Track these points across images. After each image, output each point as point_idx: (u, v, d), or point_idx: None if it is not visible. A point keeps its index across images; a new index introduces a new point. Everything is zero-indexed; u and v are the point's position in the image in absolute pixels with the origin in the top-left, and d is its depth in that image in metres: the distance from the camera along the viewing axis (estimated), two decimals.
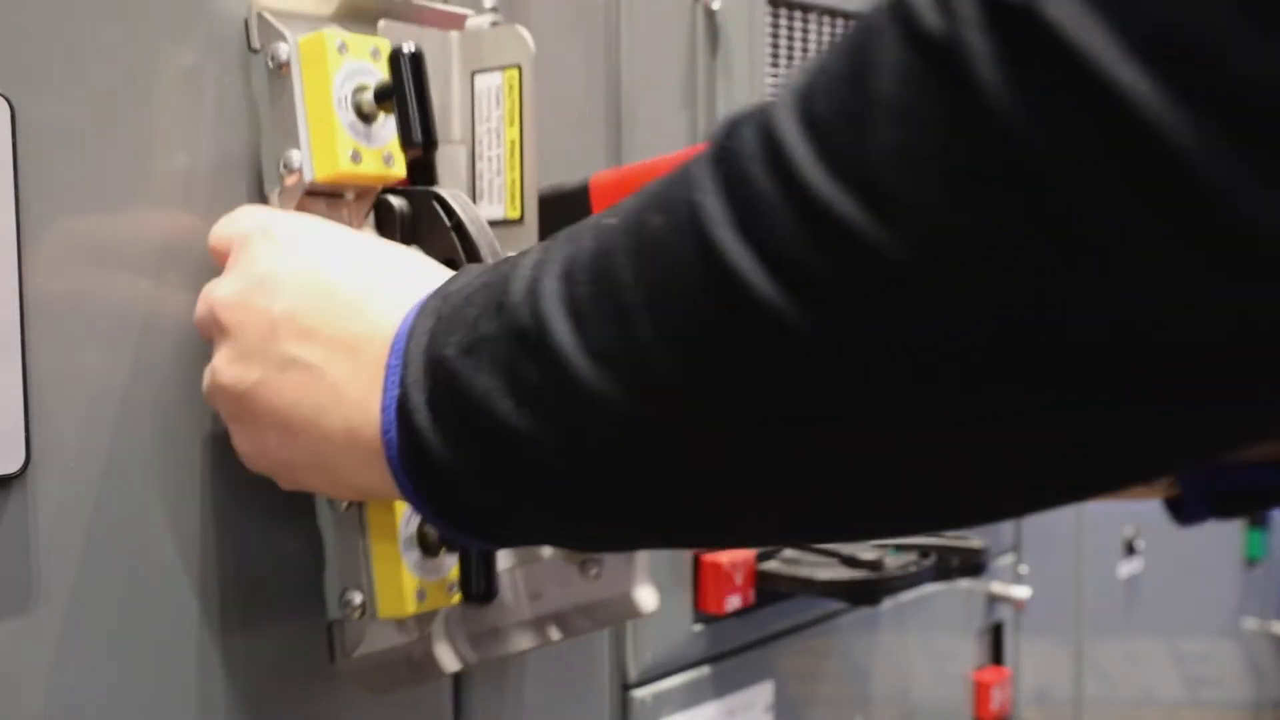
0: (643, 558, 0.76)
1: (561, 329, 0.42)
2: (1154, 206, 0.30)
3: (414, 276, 0.54)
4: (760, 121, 0.37)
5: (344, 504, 0.63)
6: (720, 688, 0.96)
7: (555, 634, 0.74)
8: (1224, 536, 1.79)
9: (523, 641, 0.73)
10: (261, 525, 0.65)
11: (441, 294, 0.50)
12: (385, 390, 0.49)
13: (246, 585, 0.65)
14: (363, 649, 0.65)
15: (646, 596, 0.81)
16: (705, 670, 0.95)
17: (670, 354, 0.39)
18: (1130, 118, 0.30)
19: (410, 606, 0.62)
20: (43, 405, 0.57)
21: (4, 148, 0.55)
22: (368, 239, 0.58)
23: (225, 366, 0.56)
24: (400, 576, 0.62)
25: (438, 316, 0.48)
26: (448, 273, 0.55)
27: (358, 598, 0.63)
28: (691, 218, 0.38)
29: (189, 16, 0.62)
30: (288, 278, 0.55)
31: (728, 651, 0.97)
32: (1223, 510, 0.47)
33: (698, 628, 0.94)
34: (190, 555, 0.63)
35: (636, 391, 0.40)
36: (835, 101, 0.35)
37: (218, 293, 0.57)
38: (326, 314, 0.53)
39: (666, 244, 0.39)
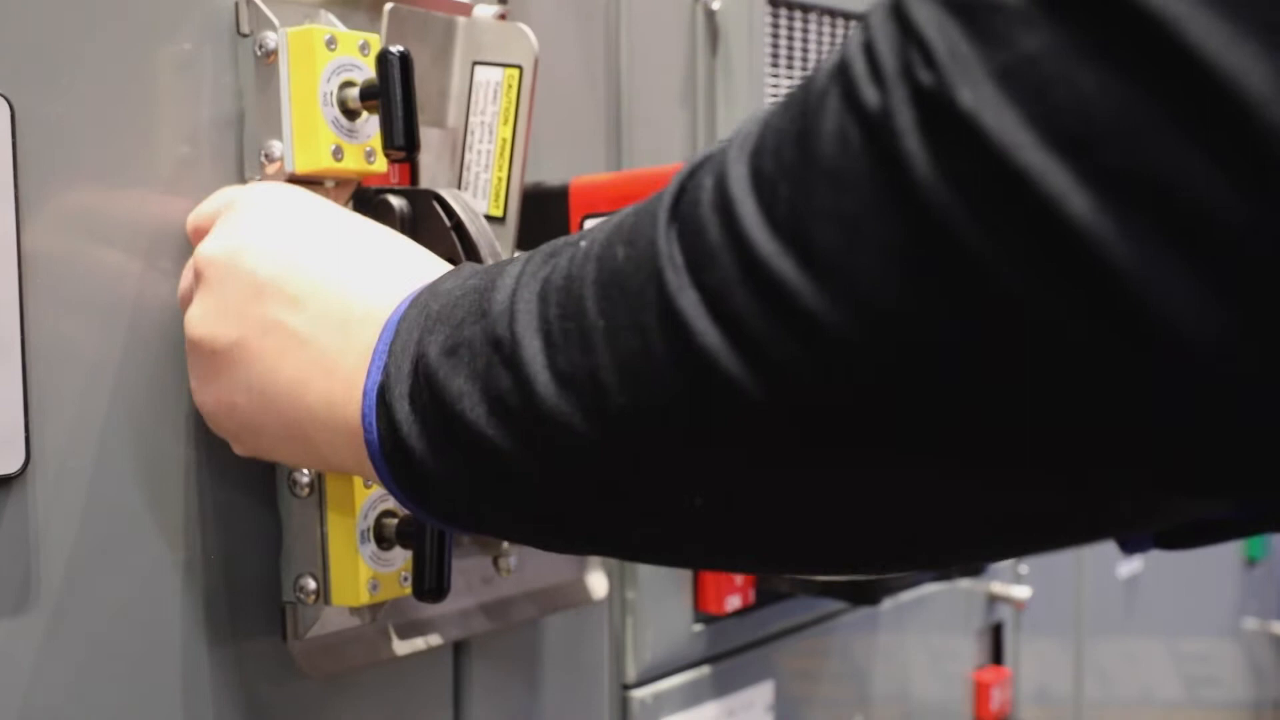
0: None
1: (532, 347, 0.43)
2: (1061, 283, 0.32)
3: (406, 261, 0.55)
4: (717, 168, 0.39)
5: (304, 490, 0.64)
6: (720, 688, 0.96)
7: (504, 619, 0.75)
8: None
9: (474, 626, 0.74)
10: (261, 525, 0.66)
11: (434, 290, 0.50)
12: (369, 374, 0.50)
13: (246, 585, 0.65)
14: (315, 631, 0.66)
15: (596, 582, 0.81)
16: (705, 670, 0.95)
17: (623, 385, 0.40)
18: (1038, 199, 0.31)
19: (363, 597, 0.63)
20: (43, 405, 0.57)
21: (4, 147, 0.55)
22: (360, 219, 0.59)
23: (202, 320, 0.56)
24: (355, 567, 0.63)
25: (427, 314, 0.49)
26: (437, 260, 0.56)
27: (312, 583, 0.64)
28: (651, 256, 0.40)
29: (186, 6, 0.62)
30: (278, 243, 0.55)
31: (728, 651, 0.97)
32: (1167, 543, 0.48)
33: (698, 627, 0.94)
34: (189, 555, 0.63)
35: (593, 415, 0.42)
36: (780, 159, 0.36)
37: (203, 248, 0.58)
38: (316, 285, 0.54)
39: (627, 279, 0.40)
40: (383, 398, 0.49)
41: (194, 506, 0.63)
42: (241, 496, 0.65)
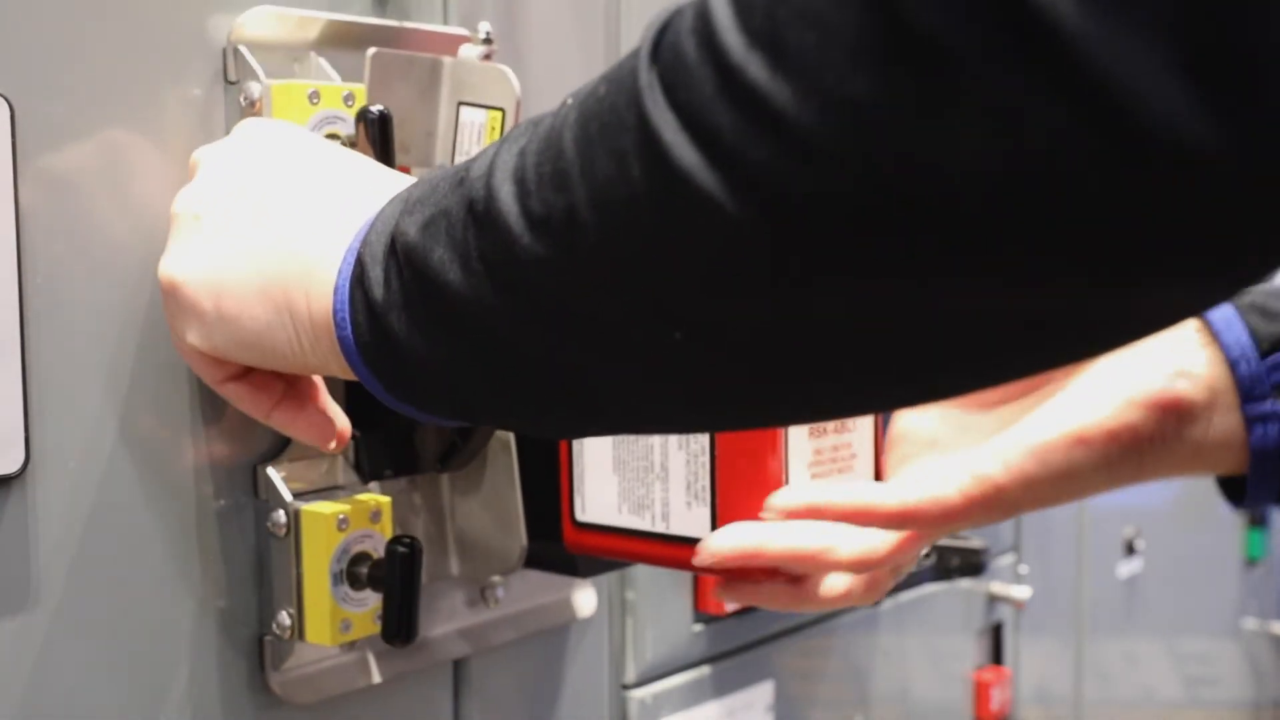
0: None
1: (507, 197, 0.43)
2: (1024, 59, 0.31)
3: (390, 178, 0.55)
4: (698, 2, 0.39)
5: (281, 530, 0.65)
6: (720, 688, 0.96)
7: (488, 643, 0.76)
8: (1224, 536, 1.79)
9: (453, 651, 0.75)
10: (260, 525, 0.66)
11: (414, 186, 0.50)
12: (340, 272, 0.50)
13: (246, 585, 0.65)
14: (291, 662, 0.67)
15: (583, 601, 0.82)
16: (705, 670, 0.95)
17: (599, 218, 0.40)
18: None
19: (336, 637, 0.64)
20: (43, 405, 0.57)
21: (4, 148, 0.55)
22: (350, 151, 0.59)
23: (186, 197, 0.56)
24: (328, 608, 0.64)
25: (406, 201, 0.48)
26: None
27: (287, 619, 0.65)
28: (630, 87, 0.39)
29: (185, 16, 0.62)
30: (268, 164, 0.55)
31: (727, 651, 0.97)
32: None
33: (697, 628, 0.94)
34: (189, 555, 0.63)
35: (568, 255, 0.41)
36: None
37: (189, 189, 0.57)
38: (304, 195, 0.54)
39: (606, 113, 0.40)
40: (359, 287, 0.48)
41: (195, 506, 0.63)
42: (242, 496, 0.65)
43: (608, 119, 0.40)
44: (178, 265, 0.55)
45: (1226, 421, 0.55)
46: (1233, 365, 0.55)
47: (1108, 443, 0.55)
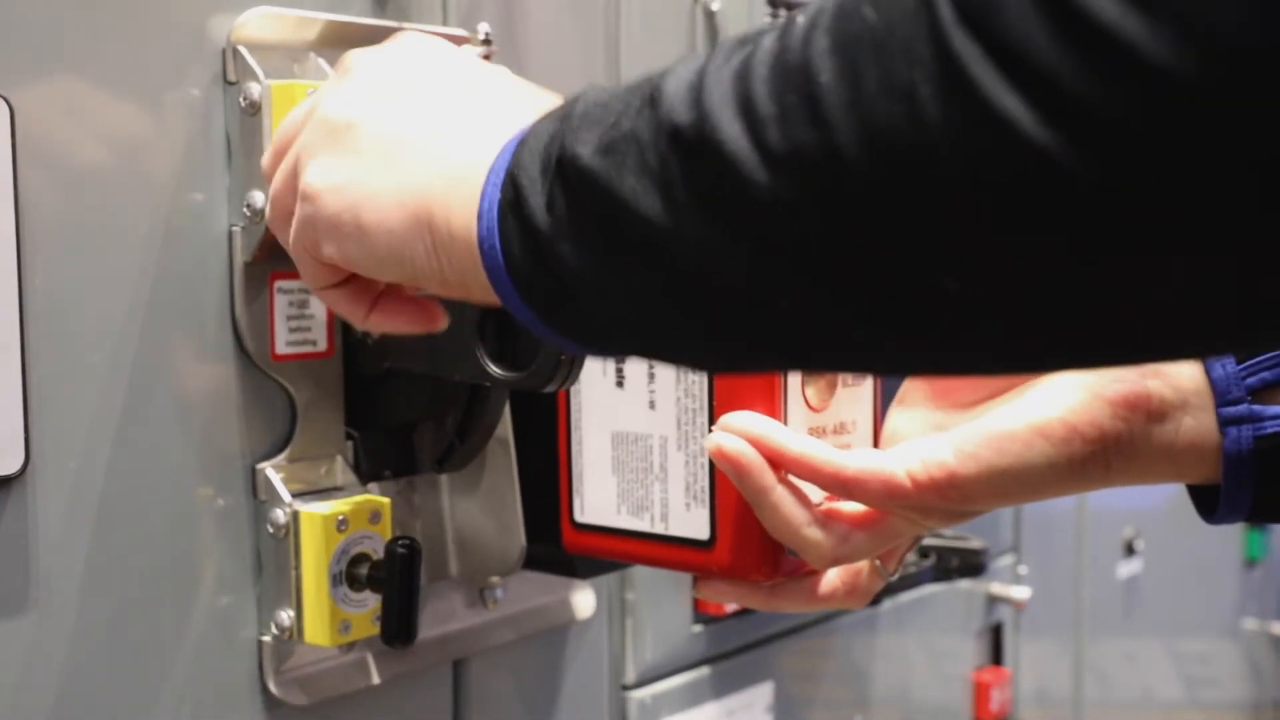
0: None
1: (731, 128, 0.38)
2: None
3: (538, 97, 0.51)
4: None
5: (280, 531, 0.65)
6: (720, 688, 0.96)
7: (487, 644, 0.76)
8: (1224, 537, 1.79)
9: (452, 652, 0.75)
10: (260, 526, 0.66)
11: (568, 105, 0.45)
12: (484, 194, 0.46)
13: (245, 585, 0.65)
14: (291, 663, 0.67)
15: (581, 601, 0.82)
16: (705, 671, 0.95)
17: (874, 159, 0.35)
18: None
19: (335, 638, 0.64)
20: (43, 405, 0.57)
21: (4, 148, 0.55)
22: (503, 70, 0.55)
23: (336, 99, 0.53)
24: (327, 608, 0.64)
25: (566, 121, 0.44)
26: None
27: (286, 620, 0.65)
28: (918, 11, 0.34)
29: (184, 16, 0.62)
30: (420, 75, 0.52)
31: (727, 652, 0.97)
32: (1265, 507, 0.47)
33: (697, 628, 0.94)
34: (189, 555, 0.63)
35: (826, 199, 0.37)
36: None
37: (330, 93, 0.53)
38: (453, 109, 0.50)
39: (882, 39, 0.35)
40: (512, 213, 0.44)
41: (195, 506, 0.63)
42: (241, 497, 0.65)
43: (888, 45, 0.35)
44: (324, 174, 0.51)
45: (1197, 423, 0.54)
46: (1207, 367, 0.54)
47: (1069, 437, 0.53)
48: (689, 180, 0.39)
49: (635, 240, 0.41)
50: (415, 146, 0.50)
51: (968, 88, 0.33)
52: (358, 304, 0.56)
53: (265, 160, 0.59)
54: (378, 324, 0.57)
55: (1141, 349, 0.39)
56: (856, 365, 0.51)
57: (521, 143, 0.45)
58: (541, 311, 0.45)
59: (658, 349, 0.48)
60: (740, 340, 0.43)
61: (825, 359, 0.47)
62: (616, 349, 0.49)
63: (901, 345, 0.41)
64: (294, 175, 0.53)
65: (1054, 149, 0.32)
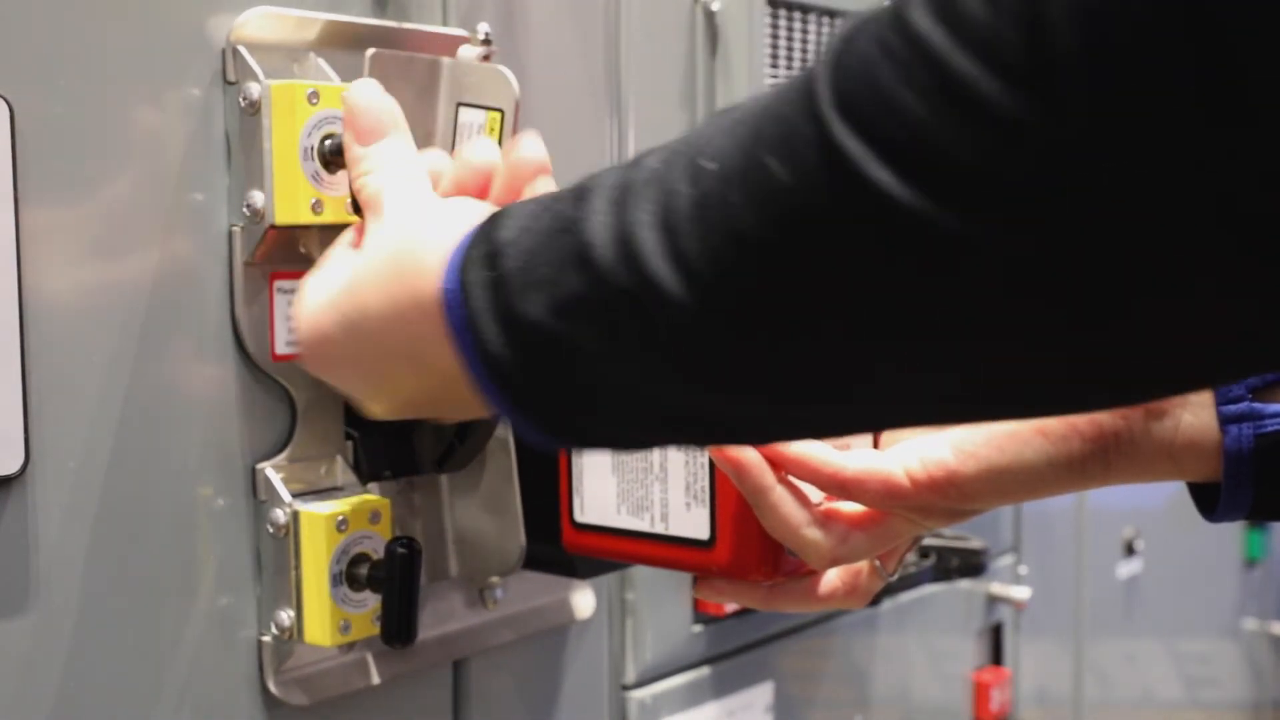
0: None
1: (676, 290, 0.40)
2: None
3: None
4: (881, 23, 0.36)
5: (281, 531, 0.65)
6: (720, 688, 0.96)
7: (487, 644, 0.76)
8: (1224, 537, 1.79)
9: (452, 652, 0.75)
10: (260, 526, 0.66)
11: (489, 237, 0.47)
12: (464, 351, 0.47)
13: (245, 585, 0.65)
14: (291, 663, 0.67)
15: (581, 602, 0.82)
16: (705, 671, 0.95)
17: (777, 235, 0.38)
18: None
19: (335, 637, 0.64)
20: (43, 405, 0.57)
21: (4, 148, 0.55)
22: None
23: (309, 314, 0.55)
24: (327, 608, 0.64)
25: (501, 266, 0.46)
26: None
27: (286, 620, 0.65)
28: (804, 103, 0.37)
29: (184, 16, 0.62)
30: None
31: (727, 652, 0.97)
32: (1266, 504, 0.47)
33: (697, 628, 0.94)
34: (188, 555, 0.63)
35: (741, 323, 0.40)
36: None
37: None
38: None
39: (788, 188, 0.38)
40: (495, 373, 0.46)
41: (194, 506, 0.63)
42: (241, 497, 0.65)
43: (790, 196, 0.38)
44: (320, 369, 0.56)
45: (1197, 420, 0.54)
46: None
47: (1068, 434, 0.54)
48: (650, 338, 0.42)
49: (607, 395, 0.44)
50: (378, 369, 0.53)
51: (845, 166, 0.36)
52: None
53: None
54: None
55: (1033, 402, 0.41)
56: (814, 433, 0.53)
57: (462, 267, 0.47)
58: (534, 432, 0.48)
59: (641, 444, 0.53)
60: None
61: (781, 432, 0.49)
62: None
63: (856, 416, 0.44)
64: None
65: (917, 205, 0.35)
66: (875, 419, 0.46)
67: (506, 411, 0.47)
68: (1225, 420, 0.53)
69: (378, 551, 0.65)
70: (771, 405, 0.43)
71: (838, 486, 0.56)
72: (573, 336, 0.44)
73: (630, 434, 0.48)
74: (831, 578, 0.63)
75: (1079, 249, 0.34)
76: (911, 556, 0.99)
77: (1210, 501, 0.55)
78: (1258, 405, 0.53)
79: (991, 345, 0.38)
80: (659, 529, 0.64)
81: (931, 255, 0.36)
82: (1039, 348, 0.37)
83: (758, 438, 0.50)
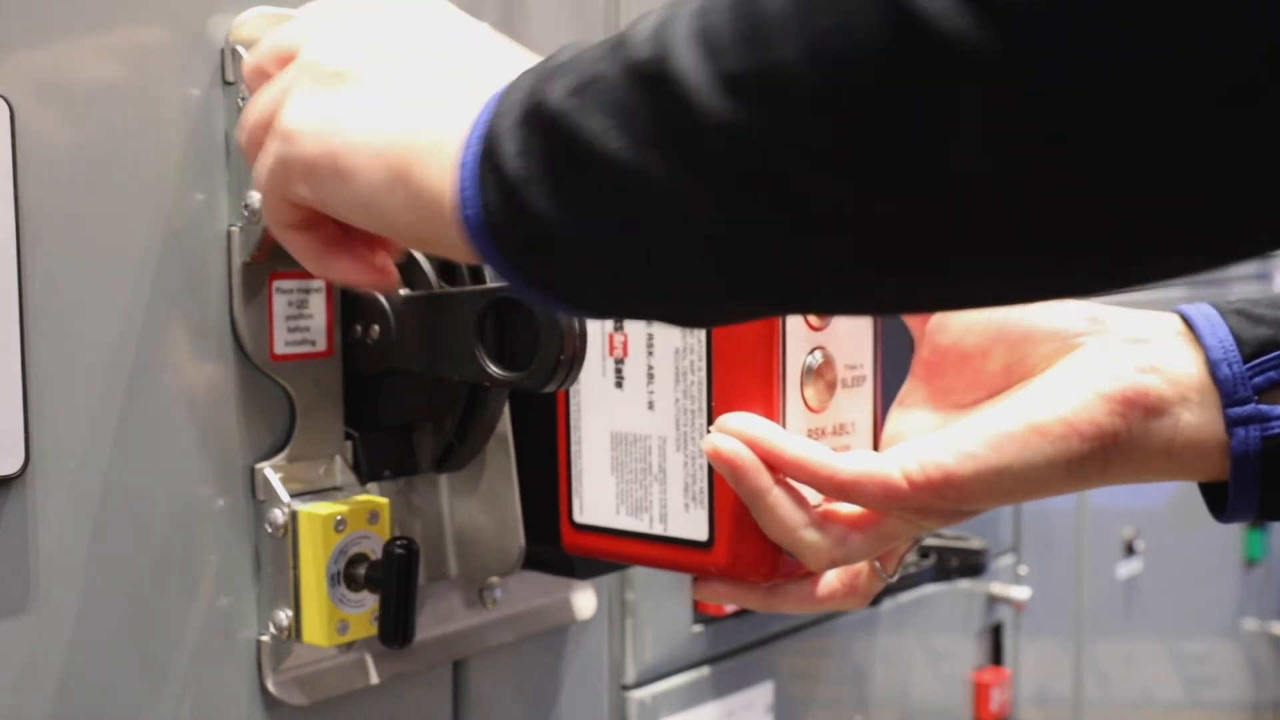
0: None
1: (688, 59, 0.39)
2: None
3: (517, 54, 0.51)
4: None
5: (279, 531, 0.65)
6: (720, 688, 0.96)
7: (486, 644, 0.76)
8: (1224, 537, 1.79)
9: (451, 652, 0.75)
10: (258, 526, 0.66)
11: (545, 60, 0.45)
12: (465, 146, 0.45)
13: (244, 585, 0.66)
14: (289, 663, 0.67)
15: (582, 602, 0.82)
16: (705, 671, 0.95)
17: (820, 77, 0.36)
18: None
19: (333, 637, 0.64)
20: (43, 405, 0.57)
21: (4, 148, 0.55)
22: (486, 28, 0.55)
23: (323, 43, 0.52)
24: (325, 609, 0.64)
25: (543, 70, 0.44)
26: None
27: (284, 619, 0.65)
28: None
29: (184, 16, 0.62)
30: (408, 25, 0.52)
31: (727, 652, 0.97)
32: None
33: (697, 628, 0.94)
34: (187, 555, 0.63)
35: (772, 114, 0.37)
36: None
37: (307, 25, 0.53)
38: (438, 62, 0.50)
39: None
40: (489, 163, 0.44)
41: (194, 506, 0.63)
42: (240, 497, 0.65)
43: None
44: (306, 116, 0.51)
45: (1197, 419, 0.53)
46: (1214, 366, 0.53)
47: (1067, 434, 0.53)
48: (652, 116, 0.40)
49: (603, 183, 0.41)
50: (402, 105, 0.49)
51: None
52: (317, 250, 0.55)
53: (246, 71, 0.57)
54: (335, 272, 0.56)
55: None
56: (830, 307, 0.50)
57: (502, 96, 0.45)
58: (518, 265, 0.45)
59: (637, 304, 0.47)
60: (705, 283, 0.43)
61: (813, 299, 0.46)
62: (598, 307, 0.48)
63: (872, 278, 0.41)
64: (271, 109, 0.53)
65: (977, 38, 0.33)
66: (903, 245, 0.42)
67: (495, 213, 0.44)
68: (1232, 422, 0.53)
69: (376, 552, 0.65)
70: (793, 230, 0.39)
71: (835, 488, 0.56)
72: (576, 114, 0.41)
73: (628, 275, 0.44)
74: (831, 579, 0.63)
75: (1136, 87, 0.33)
76: (911, 557, 0.99)
77: (1221, 501, 0.55)
78: (1264, 407, 0.53)
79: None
80: (658, 530, 0.64)
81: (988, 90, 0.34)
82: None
83: (767, 262, 0.42)
